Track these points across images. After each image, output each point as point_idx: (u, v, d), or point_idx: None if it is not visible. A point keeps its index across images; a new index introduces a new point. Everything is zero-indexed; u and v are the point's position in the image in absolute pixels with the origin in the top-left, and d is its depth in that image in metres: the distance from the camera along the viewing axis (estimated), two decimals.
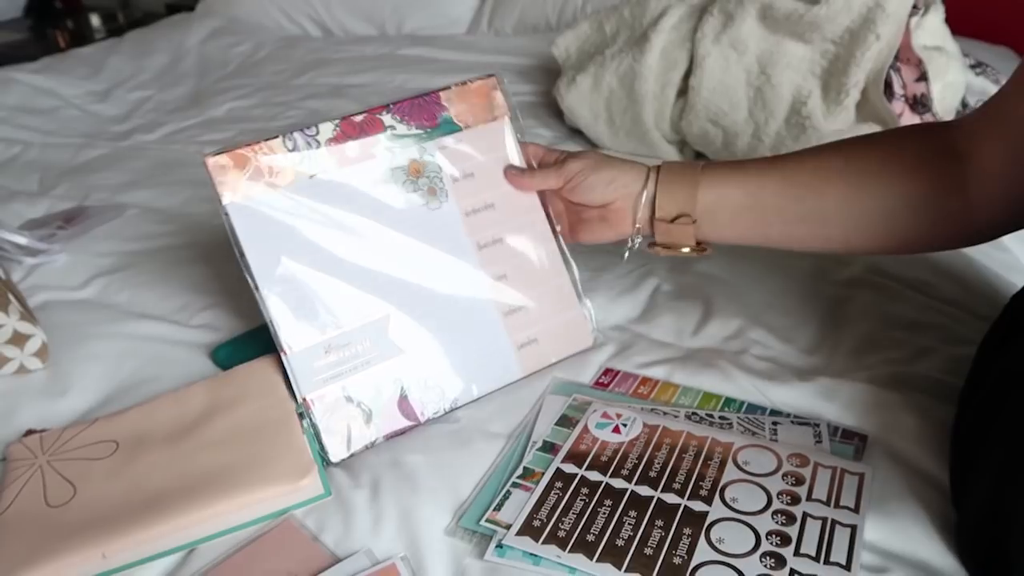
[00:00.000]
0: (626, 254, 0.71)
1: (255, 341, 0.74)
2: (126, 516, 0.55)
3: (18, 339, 0.71)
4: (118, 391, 0.71)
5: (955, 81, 1.02)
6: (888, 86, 0.95)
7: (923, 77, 0.98)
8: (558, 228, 0.73)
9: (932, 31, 1.02)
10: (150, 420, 0.63)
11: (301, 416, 0.63)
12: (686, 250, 0.69)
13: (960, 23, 1.11)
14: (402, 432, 0.64)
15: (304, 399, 0.62)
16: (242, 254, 0.62)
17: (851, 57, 0.94)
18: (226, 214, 0.62)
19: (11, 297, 0.73)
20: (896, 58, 0.96)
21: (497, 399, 0.67)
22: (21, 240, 0.88)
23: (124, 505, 0.56)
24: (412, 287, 0.66)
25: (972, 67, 1.10)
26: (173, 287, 0.85)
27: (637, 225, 0.69)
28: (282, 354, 0.62)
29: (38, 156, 1.25)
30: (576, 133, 1.20)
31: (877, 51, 0.93)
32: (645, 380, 0.69)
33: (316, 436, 0.61)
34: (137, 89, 1.57)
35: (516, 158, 0.72)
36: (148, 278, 0.87)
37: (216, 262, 0.89)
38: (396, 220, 0.66)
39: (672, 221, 0.67)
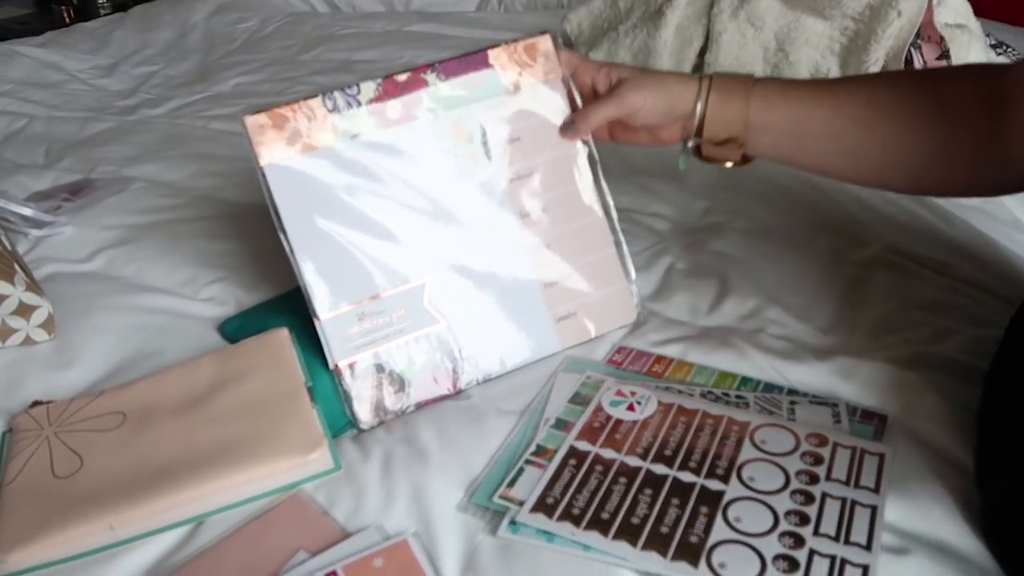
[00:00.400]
0: (681, 164, 0.70)
1: (264, 314, 0.73)
2: (134, 488, 0.54)
3: (24, 310, 0.70)
4: (124, 363, 0.70)
5: (977, 60, 1.00)
6: (908, 63, 0.93)
7: (945, 55, 0.96)
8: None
9: (955, 8, 1.00)
10: (158, 392, 0.62)
11: (311, 389, 0.62)
12: (729, 164, 0.68)
13: (981, 5, 1.09)
14: (434, 401, 0.63)
15: (336, 365, 0.61)
16: (278, 216, 0.60)
17: (872, 34, 0.92)
18: (263, 175, 0.60)
19: (17, 268, 0.72)
20: (917, 35, 0.94)
21: (509, 376, 0.66)
22: (27, 212, 0.87)
23: (131, 477, 0.55)
24: (450, 255, 0.65)
25: (993, 47, 1.08)
26: (179, 260, 0.84)
27: (689, 145, 0.68)
28: (315, 320, 0.61)
29: (44, 129, 1.23)
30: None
31: (898, 28, 0.91)
32: (660, 358, 0.68)
33: (347, 402, 0.61)
34: (143, 64, 1.56)
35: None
36: (154, 251, 0.86)
37: (223, 236, 0.88)
38: (436, 185, 0.64)
39: (720, 143, 0.66)
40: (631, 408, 0.61)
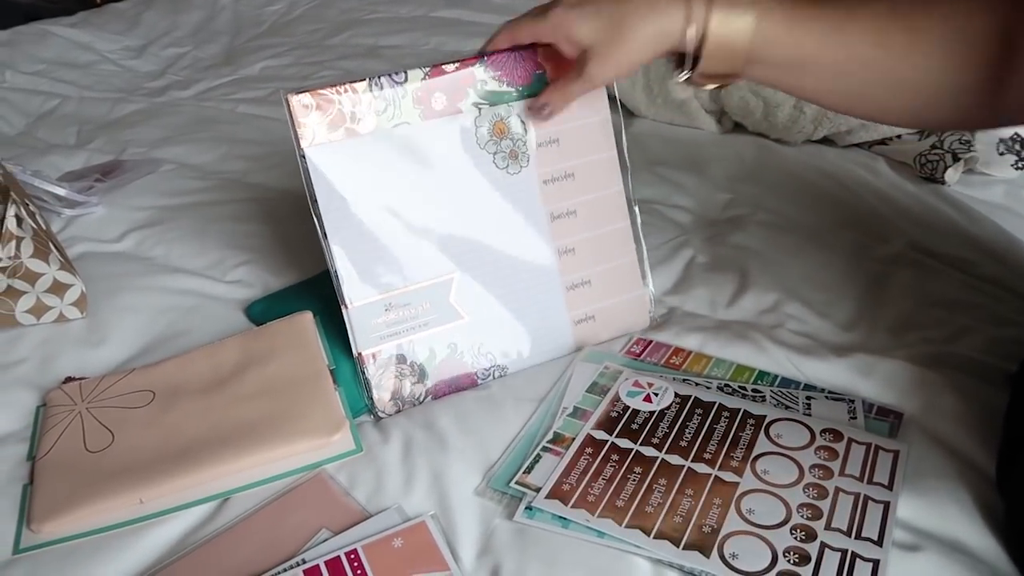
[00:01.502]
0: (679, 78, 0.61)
1: (289, 298, 0.74)
2: (162, 464, 0.56)
3: (58, 288, 0.72)
4: (154, 342, 0.72)
5: None
6: None
7: None
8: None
9: None
10: (185, 371, 0.64)
11: (333, 372, 0.63)
12: (712, 85, 0.61)
13: None
14: (450, 393, 0.64)
15: (359, 354, 0.61)
16: (314, 200, 0.59)
17: None
18: (303, 156, 0.59)
19: (52, 247, 0.74)
20: None
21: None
22: (60, 191, 0.89)
23: (161, 453, 0.57)
24: (479, 251, 0.65)
25: None
26: (208, 242, 0.85)
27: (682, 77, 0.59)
28: (343, 308, 0.61)
29: (75, 109, 1.25)
30: (611, 99, 1.18)
31: None
32: (677, 351, 0.69)
33: (367, 389, 0.62)
34: (172, 46, 1.57)
35: (619, 128, 0.68)
36: (183, 233, 0.87)
37: (250, 219, 0.89)
38: (473, 181, 0.64)
39: (712, 76, 0.59)
40: (648, 399, 0.62)
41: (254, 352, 0.65)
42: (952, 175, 0.92)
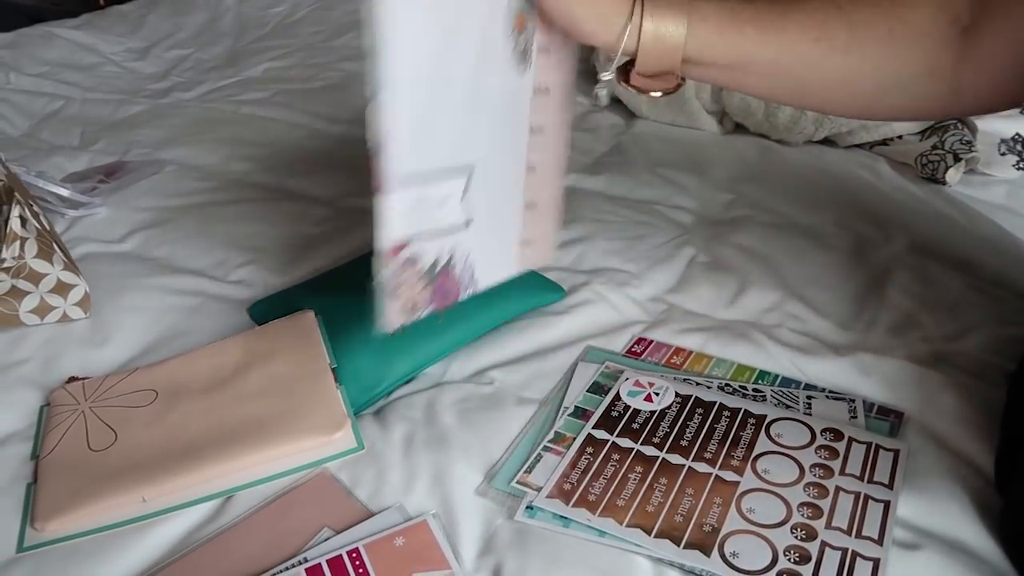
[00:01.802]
0: (603, 100, 0.63)
1: (291, 298, 0.75)
2: (165, 463, 0.56)
3: (62, 288, 0.73)
4: (157, 342, 0.72)
5: None
6: None
7: None
8: None
9: None
10: (188, 371, 0.64)
11: (335, 371, 0.63)
12: (657, 94, 0.60)
13: None
14: (440, 306, 0.58)
15: (386, 250, 0.53)
16: (380, 37, 0.48)
17: None
18: None
19: (55, 247, 0.74)
20: None
21: (530, 365, 0.67)
22: (64, 192, 0.89)
23: (163, 452, 0.57)
24: (489, 149, 0.58)
25: None
26: (211, 243, 0.86)
27: (610, 73, 0.59)
28: (378, 194, 0.51)
29: (79, 111, 1.26)
30: (614, 101, 1.19)
31: None
32: (679, 350, 0.69)
33: (384, 295, 0.54)
34: (175, 47, 1.58)
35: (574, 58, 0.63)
36: (186, 233, 0.88)
37: (253, 220, 0.89)
38: (495, 67, 0.56)
39: (652, 76, 0.58)
40: (649, 399, 0.62)
41: (256, 351, 0.65)
42: (953, 175, 0.92)
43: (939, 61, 0.55)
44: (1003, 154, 0.93)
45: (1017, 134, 0.94)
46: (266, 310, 0.74)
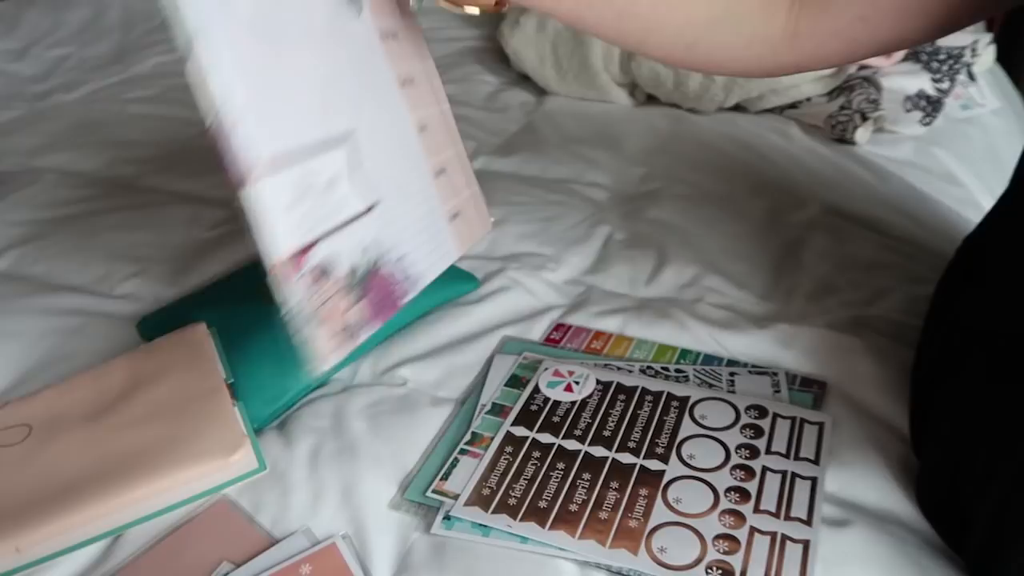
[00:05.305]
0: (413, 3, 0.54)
1: (185, 309, 0.69)
2: (41, 505, 0.51)
3: None
4: (34, 370, 0.66)
5: None
6: None
7: None
8: None
9: None
10: (66, 400, 0.58)
11: (231, 386, 0.58)
12: (474, 10, 0.53)
13: None
14: (381, 317, 0.47)
15: (280, 262, 0.41)
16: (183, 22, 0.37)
17: None
18: None
19: None
20: None
21: (444, 361, 0.64)
22: None
23: (38, 493, 0.52)
24: (359, 110, 0.48)
25: None
26: (94, 256, 0.79)
27: None
28: (240, 189, 0.39)
29: None
30: (523, 79, 1.15)
31: None
32: (598, 334, 0.66)
33: (299, 326, 0.42)
34: (56, 46, 1.47)
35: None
36: (66, 247, 0.81)
37: (140, 228, 0.83)
38: (326, 16, 0.47)
39: None
40: (569, 388, 0.60)
41: (143, 372, 0.60)
42: (862, 135, 0.92)
43: (775, 16, 0.51)
44: (908, 111, 0.94)
45: (921, 90, 0.94)
46: (156, 325, 0.68)
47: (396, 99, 0.52)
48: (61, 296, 0.73)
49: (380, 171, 0.49)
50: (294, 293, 0.42)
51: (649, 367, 0.62)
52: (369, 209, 0.48)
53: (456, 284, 0.71)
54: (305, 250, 0.42)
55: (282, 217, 0.41)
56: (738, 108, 1.02)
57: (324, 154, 0.45)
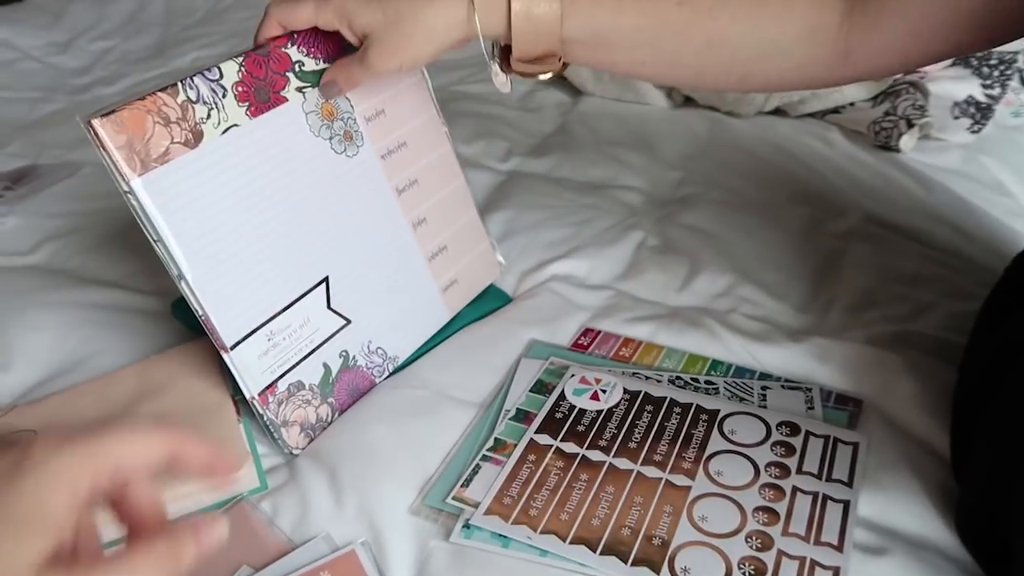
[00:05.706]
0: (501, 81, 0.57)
1: None
2: None
3: None
4: (67, 363, 0.66)
5: None
6: None
7: None
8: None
9: None
10: (72, 407, 0.59)
11: (236, 401, 0.58)
12: (547, 75, 0.55)
13: None
14: (353, 403, 0.60)
15: (253, 398, 0.54)
16: (159, 239, 0.50)
17: None
18: (128, 192, 0.48)
19: None
20: None
21: (466, 362, 0.63)
22: None
23: None
24: (343, 246, 0.59)
25: None
26: (129, 249, 0.80)
27: (494, 73, 0.56)
28: (223, 353, 0.53)
29: None
30: (559, 79, 1.12)
31: None
32: (627, 341, 0.65)
33: (273, 431, 0.55)
34: (100, 39, 1.49)
35: (429, 86, 0.64)
36: (102, 240, 0.82)
37: None
38: (317, 174, 0.58)
39: (533, 60, 0.54)
40: (595, 397, 0.58)
41: (149, 382, 0.60)
42: (907, 142, 0.89)
43: (821, 23, 0.51)
44: (956, 118, 0.90)
45: (970, 96, 0.91)
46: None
47: (390, 208, 0.63)
48: (94, 290, 0.74)
49: (360, 288, 0.61)
50: (268, 411, 0.55)
51: (678, 377, 0.60)
52: (346, 323, 0.59)
53: (487, 302, 0.70)
54: (274, 384, 0.55)
55: (256, 363, 0.54)
56: (778, 112, 1.00)
57: (297, 306, 0.57)
